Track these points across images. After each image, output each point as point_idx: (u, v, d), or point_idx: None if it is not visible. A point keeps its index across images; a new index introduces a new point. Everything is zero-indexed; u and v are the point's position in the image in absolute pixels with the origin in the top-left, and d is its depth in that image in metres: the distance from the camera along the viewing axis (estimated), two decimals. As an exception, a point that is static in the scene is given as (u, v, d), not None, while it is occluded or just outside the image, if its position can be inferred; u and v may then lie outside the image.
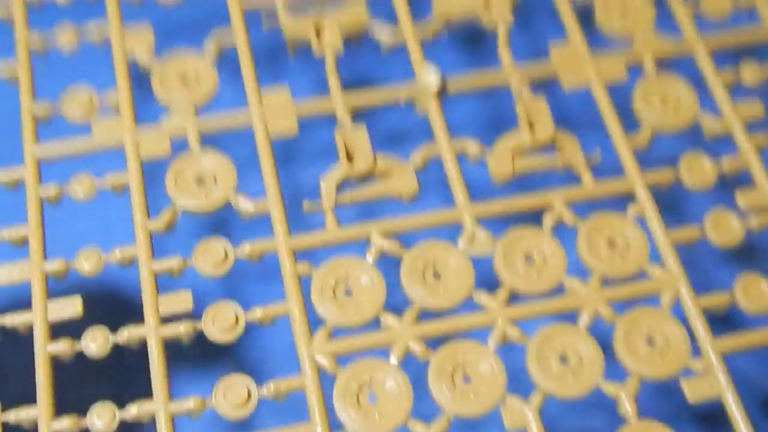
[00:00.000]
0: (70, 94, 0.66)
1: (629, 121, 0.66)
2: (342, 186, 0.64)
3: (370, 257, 0.61)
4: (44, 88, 0.66)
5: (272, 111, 0.65)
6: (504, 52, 0.68)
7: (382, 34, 0.68)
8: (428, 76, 0.66)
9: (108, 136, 0.65)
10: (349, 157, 0.64)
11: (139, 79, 0.67)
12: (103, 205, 0.64)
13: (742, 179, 0.65)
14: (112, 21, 0.68)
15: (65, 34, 0.68)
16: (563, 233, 0.62)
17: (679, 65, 0.68)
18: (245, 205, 0.62)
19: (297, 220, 0.63)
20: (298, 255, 0.61)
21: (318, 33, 0.68)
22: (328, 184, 0.63)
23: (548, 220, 0.63)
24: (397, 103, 0.67)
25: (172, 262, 0.60)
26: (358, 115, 0.66)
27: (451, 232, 0.62)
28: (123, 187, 0.63)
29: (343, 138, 0.64)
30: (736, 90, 0.68)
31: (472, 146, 0.65)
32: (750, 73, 0.69)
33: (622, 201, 0.64)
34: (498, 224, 0.63)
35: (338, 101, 0.66)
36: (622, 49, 0.69)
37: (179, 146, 0.64)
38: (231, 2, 0.69)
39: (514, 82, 0.67)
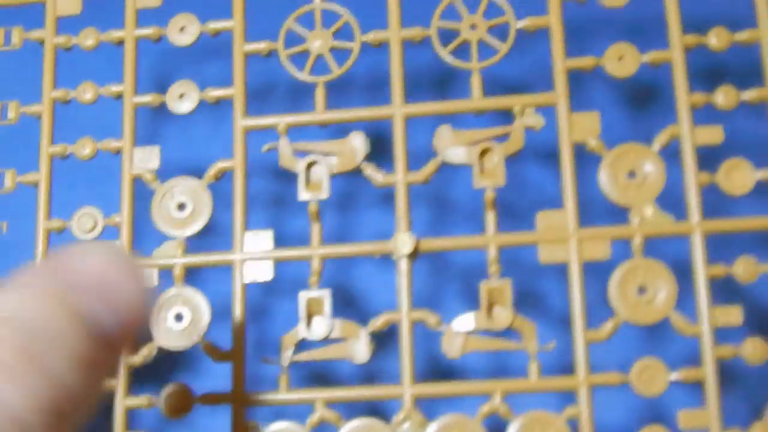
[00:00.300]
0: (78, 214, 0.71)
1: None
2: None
3: (309, 426, 0.64)
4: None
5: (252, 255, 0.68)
6: (490, 217, 0.67)
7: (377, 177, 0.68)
8: (402, 237, 0.66)
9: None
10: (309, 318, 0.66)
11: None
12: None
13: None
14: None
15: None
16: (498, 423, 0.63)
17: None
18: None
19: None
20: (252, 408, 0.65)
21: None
22: (286, 343, 0.66)
23: (484, 409, 0.63)
24: (372, 257, 0.67)
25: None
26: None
27: (394, 406, 0.64)
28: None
29: (306, 299, 0.66)
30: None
31: (431, 318, 0.65)
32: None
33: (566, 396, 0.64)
34: (439, 405, 0.65)
35: (315, 252, 0.67)
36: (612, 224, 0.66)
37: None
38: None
39: (492, 250, 0.66)
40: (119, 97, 0.72)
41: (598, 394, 0.63)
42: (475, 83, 0.68)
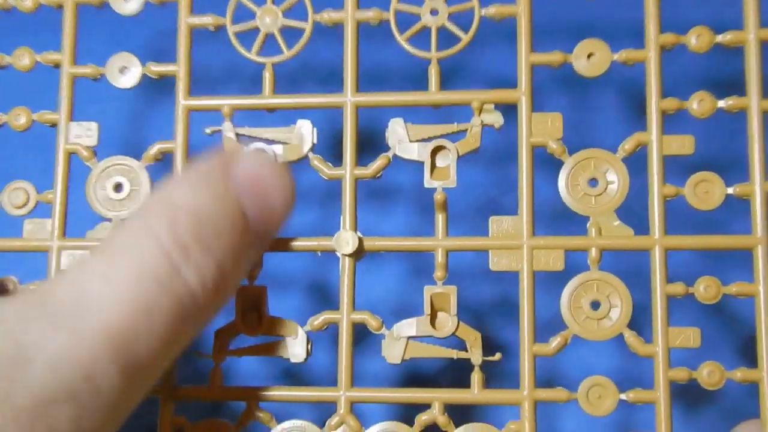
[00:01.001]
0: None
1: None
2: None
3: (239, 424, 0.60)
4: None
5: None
6: (439, 219, 0.62)
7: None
8: (345, 235, 0.61)
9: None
10: (244, 313, 0.62)
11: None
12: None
13: None
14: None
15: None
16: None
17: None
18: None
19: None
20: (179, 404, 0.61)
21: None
22: (220, 339, 0.62)
23: (422, 419, 0.60)
24: (313, 253, 0.63)
25: None
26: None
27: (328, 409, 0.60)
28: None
29: (242, 294, 0.61)
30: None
31: (372, 321, 0.61)
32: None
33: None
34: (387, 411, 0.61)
35: (253, 244, 0.62)
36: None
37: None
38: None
39: (440, 253, 0.61)
40: (57, 66, 0.67)
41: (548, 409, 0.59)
42: (433, 74, 0.63)
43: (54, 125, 0.66)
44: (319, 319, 0.62)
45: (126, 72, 0.66)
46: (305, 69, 0.72)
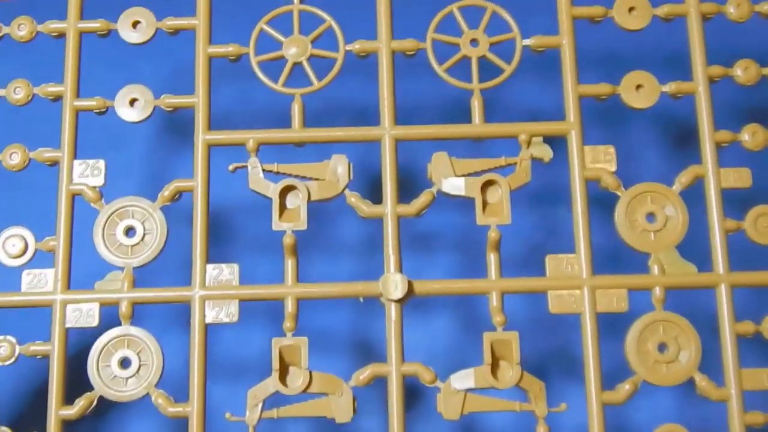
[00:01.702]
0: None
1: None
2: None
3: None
4: None
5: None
6: (493, 259, 0.56)
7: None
8: (393, 278, 0.55)
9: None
10: (284, 371, 0.54)
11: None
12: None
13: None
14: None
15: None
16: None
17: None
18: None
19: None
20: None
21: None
22: (254, 398, 0.54)
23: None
24: (356, 299, 0.56)
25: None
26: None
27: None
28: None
29: (279, 347, 0.54)
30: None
31: (425, 374, 0.55)
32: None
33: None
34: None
35: (290, 291, 0.56)
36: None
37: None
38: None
39: (495, 296, 0.56)
40: (57, 99, 0.59)
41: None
42: (476, 106, 0.58)
43: (55, 164, 0.58)
44: (365, 373, 0.55)
45: (137, 105, 0.59)
46: (329, 105, 0.66)
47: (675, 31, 0.59)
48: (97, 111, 0.59)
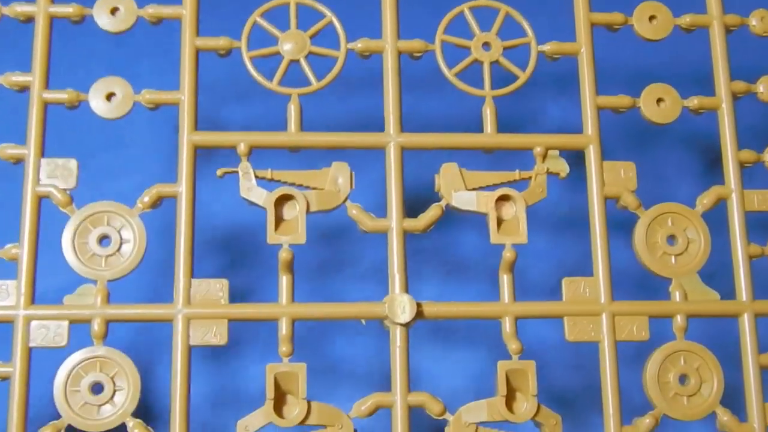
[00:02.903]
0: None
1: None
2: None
3: None
4: None
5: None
6: (506, 281, 0.51)
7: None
8: (400, 299, 0.49)
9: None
10: (279, 399, 0.48)
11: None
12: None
13: None
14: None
15: None
16: None
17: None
18: None
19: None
20: None
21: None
22: (245, 429, 0.48)
23: None
24: (358, 321, 0.50)
25: None
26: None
27: None
28: None
29: (275, 374, 0.48)
30: None
31: (433, 405, 0.49)
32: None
33: None
34: None
35: (285, 311, 0.49)
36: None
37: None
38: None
39: (508, 321, 0.50)
40: (24, 90, 0.51)
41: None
42: (488, 115, 0.53)
43: (19, 162, 0.51)
44: (367, 403, 0.49)
45: (114, 100, 0.52)
46: (329, 109, 0.60)
47: (696, 46, 0.54)
48: (69, 105, 0.52)
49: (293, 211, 0.51)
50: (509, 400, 0.50)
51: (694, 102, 0.54)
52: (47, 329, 0.49)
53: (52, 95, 0.52)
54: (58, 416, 0.48)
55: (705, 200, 0.53)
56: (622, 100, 0.54)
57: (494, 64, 0.54)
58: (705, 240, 0.52)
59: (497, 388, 0.49)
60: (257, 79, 0.52)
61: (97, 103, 0.52)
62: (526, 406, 0.49)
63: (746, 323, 0.52)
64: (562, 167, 0.52)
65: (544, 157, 0.53)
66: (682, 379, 0.51)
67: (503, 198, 0.52)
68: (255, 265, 0.60)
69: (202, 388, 0.54)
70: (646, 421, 0.50)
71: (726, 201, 0.53)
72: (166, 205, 0.51)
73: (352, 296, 0.52)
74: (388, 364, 0.48)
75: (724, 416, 0.50)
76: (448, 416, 0.49)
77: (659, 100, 0.54)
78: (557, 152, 0.53)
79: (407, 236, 0.51)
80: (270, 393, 0.48)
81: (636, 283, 0.53)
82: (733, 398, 0.51)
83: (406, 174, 0.52)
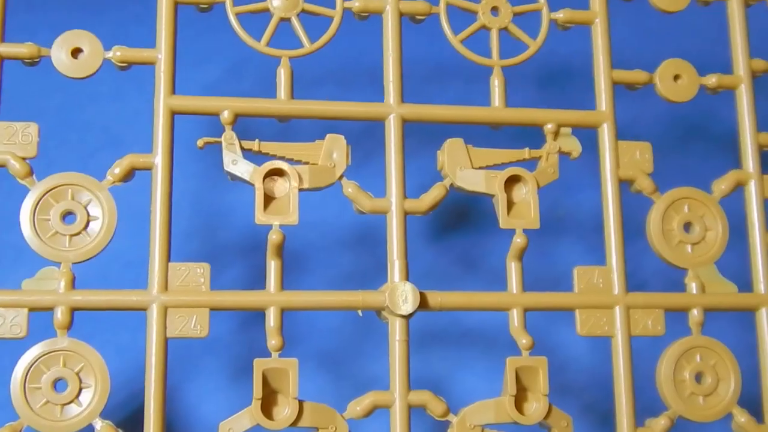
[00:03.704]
0: None
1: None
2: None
3: None
4: None
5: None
6: (515, 270, 0.46)
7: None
8: (401, 288, 0.44)
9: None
10: (268, 400, 0.42)
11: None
12: None
13: None
14: None
15: None
16: None
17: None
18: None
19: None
20: None
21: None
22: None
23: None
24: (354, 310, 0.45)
25: None
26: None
27: None
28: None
29: (263, 370, 0.42)
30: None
31: (436, 405, 0.44)
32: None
33: None
34: None
35: (273, 299, 0.44)
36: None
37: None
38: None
39: (517, 314, 0.45)
40: (-26, 42, 0.45)
41: None
42: (496, 85, 0.48)
43: (-30, 124, 0.44)
44: (364, 403, 0.44)
45: (80, 57, 0.45)
46: (323, 74, 0.53)
47: (713, 23, 0.50)
48: (28, 61, 0.45)
49: (284, 188, 0.45)
50: (518, 399, 0.45)
51: (712, 80, 0.50)
52: (3, 318, 0.42)
53: (8, 49, 0.45)
54: (15, 417, 0.42)
55: (723, 185, 0.49)
56: (638, 75, 0.49)
57: (503, 31, 0.49)
58: (723, 228, 0.48)
59: (506, 387, 0.45)
60: (243, 38, 0.46)
61: (60, 59, 0.45)
62: (536, 406, 0.45)
63: (764, 317, 0.48)
64: (575, 146, 0.48)
65: (556, 134, 0.48)
66: (698, 377, 0.47)
67: (513, 179, 0.47)
68: (240, 248, 0.54)
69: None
70: (661, 422, 0.46)
71: (744, 186, 0.49)
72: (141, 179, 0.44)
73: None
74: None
75: (741, 417, 0.47)
76: (451, 417, 0.45)
77: (676, 77, 0.49)
78: (569, 130, 0.48)
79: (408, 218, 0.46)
80: (257, 392, 0.43)
81: (649, 273, 0.48)
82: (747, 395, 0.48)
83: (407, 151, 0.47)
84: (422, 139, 0.47)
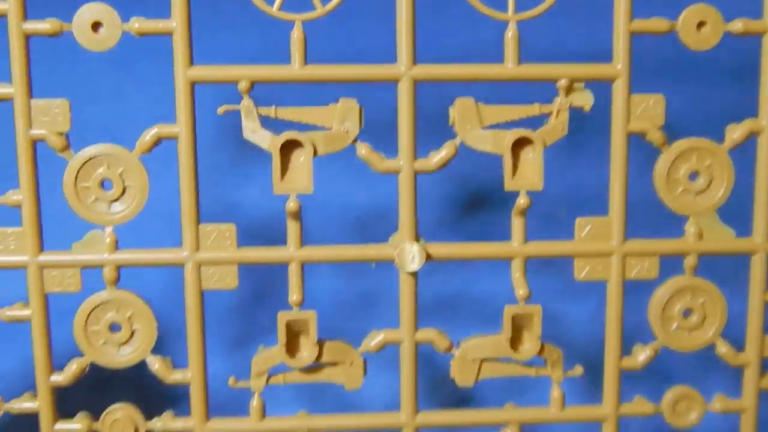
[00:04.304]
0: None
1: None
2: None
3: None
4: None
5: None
6: (517, 224, 0.49)
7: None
8: (409, 252, 0.48)
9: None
10: (292, 342, 0.49)
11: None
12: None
13: None
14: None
15: None
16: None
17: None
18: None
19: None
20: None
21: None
22: (258, 366, 0.50)
23: (501, 438, 0.52)
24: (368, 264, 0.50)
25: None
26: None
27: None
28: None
29: (285, 320, 0.49)
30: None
31: (440, 341, 0.50)
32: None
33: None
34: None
35: (294, 254, 0.49)
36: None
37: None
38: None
39: (518, 264, 0.50)
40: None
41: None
42: (510, 41, 0.48)
43: (6, 100, 0.47)
44: (376, 340, 0.50)
45: (101, 31, 0.46)
46: (335, 38, 0.53)
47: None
48: (51, 35, 0.47)
49: (300, 156, 0.48)
50: (515, 340, 0.50)
51: (738, 26, 0.48)
52: (62, 276, 0.49)
53: (32, 26, 0.46)
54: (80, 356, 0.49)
55: (735, 134, 0.49)
56: (658, 24, 0.48)
57: (519, -18, 0.47)
58: (729, 178, 0.49)
59: (503, 330, 0.50)
60: (256, 2, 0.47)
61: (82, 34, 0.46)
62: (529, 346, 0.50)
63: (758, 262, 0.50)
64: (587, 100, 0.48)
65: (569, 90, 0.48)
66: (687, 313, 0.51)
67: (521, 141, 0.48)
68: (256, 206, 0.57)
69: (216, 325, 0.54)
70: (646, 352, 0.51)
71: (758, 136, 0.49)
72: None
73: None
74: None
75: (722, 347, 0.51)
76: (454, 352, 0.51)
77: (700, 24, 0.48)
78: (582, 84, 0.48)
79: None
80: (282, 339, 0.49)
81: (642, 215, 0.51)
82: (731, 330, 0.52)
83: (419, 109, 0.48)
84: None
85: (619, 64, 0.48)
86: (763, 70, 0.49)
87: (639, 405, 0.52)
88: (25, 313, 0.49)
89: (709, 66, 0.59)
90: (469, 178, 0.61)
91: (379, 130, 0.48)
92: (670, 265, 0.50)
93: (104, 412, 0.50)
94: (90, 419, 0.50)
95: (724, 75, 0.59)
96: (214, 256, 0.49)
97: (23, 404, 0.50)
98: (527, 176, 0.48)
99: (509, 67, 0.48)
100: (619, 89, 0.48)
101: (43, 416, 0.50)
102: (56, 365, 0.50)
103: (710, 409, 0.52)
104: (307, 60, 0.47)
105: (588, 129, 0.49)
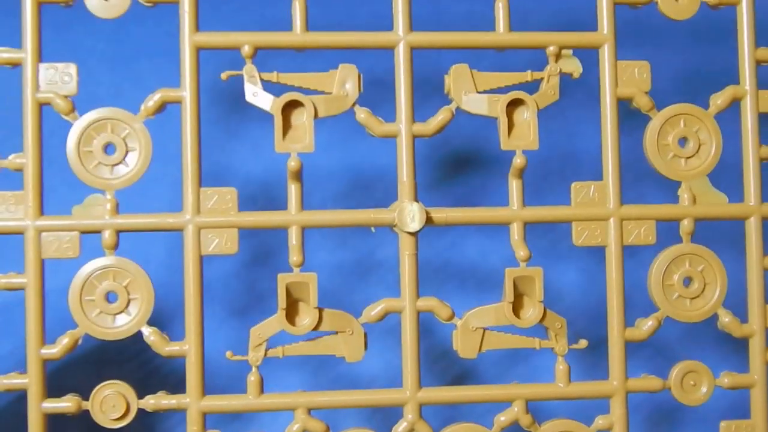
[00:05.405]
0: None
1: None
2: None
3: (291, 438, 0.47)
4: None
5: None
6: (515, 187, 0.50)
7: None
8: (409, 207, 0.48)
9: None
10: (292, 309, 0.48)
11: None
12: None
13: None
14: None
15: None
16: None
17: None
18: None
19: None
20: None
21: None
22: (257, 336, 0.48)
23: (501, 419, 0.49)
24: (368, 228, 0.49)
25: None
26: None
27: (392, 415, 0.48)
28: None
29: (286, 283, 0.47)
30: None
31: (442, 310, 0.49)
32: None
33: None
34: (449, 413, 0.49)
35: (294, 218, 0.48)
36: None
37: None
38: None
39: (517, 227, 0.49)
40: (15, -12, 0.48)
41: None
42: (501, 10, 0.50)
43: (16, 66, 0.48)
44: (377, 309, 0.49)
45: (111, -2, 0.48)
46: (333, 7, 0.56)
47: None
48: (63, 2, 0.48)
49: (301, 117, 0.49)
50: (517, 308, 0.49)
51: (713, -4, 0.51)
52: (59, 241, 0.48)
53: (45, -7, 0.48)
54: (74, 327, 0.48)
55: (719, 100, 0.51)
56: (639, -7, 0.50)
57: (508, -46, 0.50)
58: (717, 142, 0.51)
59: (504, 295, 0.49)
60: (259, -27, 0.49)
61: (92, 1, 0.48)
62: (532, 311, 0.49)
63: (753, 226, 0.51)
64: (576, 67, 0.50)
65: (557, 56, 0.50)
66: (687, 281, 0.50)
67: (514, 102, 0.49)
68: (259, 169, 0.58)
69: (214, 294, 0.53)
70: (649, 322, 0.50)
71: (740, 101, 0.51)
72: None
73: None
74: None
75: (725, 317, 0.51)
76: (456, 321, 0.49)
77: (678, -6, 0.51)
78: (570, 51, 0.50)
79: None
80: (282, 302, 0.48)
81: (634, 182, 0.51)
82: (733, 299, 0.51)
83: (416, 75, 0.50)
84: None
85: (605, 30, 0.50)
86: (739, 37, 0.51)
87: (647, 381, 0.50)
88: (21, 281, 0.48)
89: (691, 34, 0.61)
90: (458, 146, 0.61)
91: (375, 99, 0.50)
92: (667, 236, 0.51)
93: (94, 390, 0.48)
94: (80, 398, 0.48)
95: (705, 42, 0.62)
96: (214, 219, 0.48)
97: (12, 381, 0.48)
98: (523, 136, 0.49)
99: (500, 32, 0.50)
100: (606, 54, 0.50)
101: (31, 393, 0.48)
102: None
103: (718, 385, 0.51)
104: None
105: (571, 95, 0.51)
